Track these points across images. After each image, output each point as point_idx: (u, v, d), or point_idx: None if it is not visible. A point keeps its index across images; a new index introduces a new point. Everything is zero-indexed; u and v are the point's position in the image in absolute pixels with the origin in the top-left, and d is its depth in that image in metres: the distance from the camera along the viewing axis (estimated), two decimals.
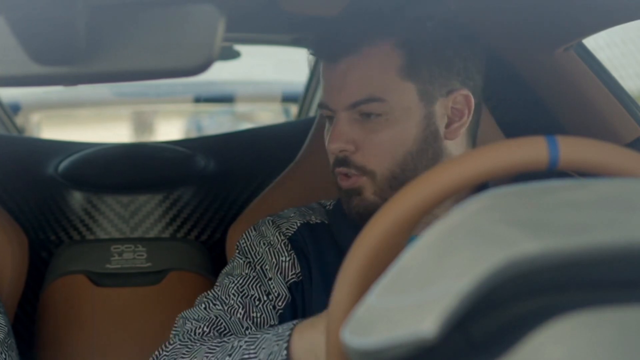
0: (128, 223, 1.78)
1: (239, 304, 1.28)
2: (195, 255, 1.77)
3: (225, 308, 1.28)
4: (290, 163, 1.62)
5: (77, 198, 1.80)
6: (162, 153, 1.93)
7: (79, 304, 1.71)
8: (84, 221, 1.78)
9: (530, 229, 0.58)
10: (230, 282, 1.32)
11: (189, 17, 0.72)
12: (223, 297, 1.30)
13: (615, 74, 1.64)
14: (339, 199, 1.38)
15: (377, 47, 1.24)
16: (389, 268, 0.64)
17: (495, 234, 0.58)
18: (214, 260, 1.78)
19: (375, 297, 0.62)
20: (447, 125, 1.27)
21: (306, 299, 1.30)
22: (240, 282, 1.31)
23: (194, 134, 4.52)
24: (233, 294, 1.30)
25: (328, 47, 1.28)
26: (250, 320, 1.27)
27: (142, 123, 4.77)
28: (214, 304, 1.30)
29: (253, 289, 1.30)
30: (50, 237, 1.78)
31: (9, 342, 1.42)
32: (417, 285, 0.59)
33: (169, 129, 4.79)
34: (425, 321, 0.54)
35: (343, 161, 1.26)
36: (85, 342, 1.70)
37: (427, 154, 1.25)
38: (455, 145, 1.28)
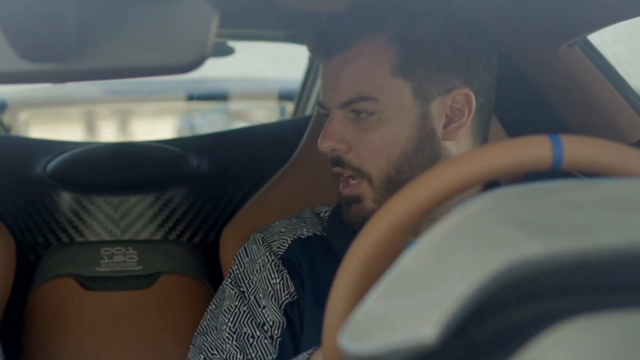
0: (118, 225, 1.78)
1: (236, 348, 1.28)
2: (188, 258, 1.77)
3: (224, 356, 1.28)
4: (286, 163, 1.62)
5: (65, 199, 1.80)
6: (154, 152, 1.92)
7: (68, 308, 1.71)
8: (73, 223, 1.78)
9: (532, 230, 0.58)
10: (223, 322, 1.32)
11: (182, 13, 0.72)
12: (219, 344, 1.30)
13: (621, 70, 1.64)
14: (336, 205, 1.37)
15: (370, 43, 1.24)
16: (387, 271, 0.64)
17: (497, 236, 0.58)
18: (207, 263, 1.78)
19: (373, 301, 0.62)
20: (445, 125, 1.25)
21: (303, 317, 1.30)
22: (232, 320, 1.31)
23: (186, 133, 4.51)
24: (227, 338, 1.29)
25: (324, 43, 1.28)
26: None
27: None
28: (212, 354, 1.30)
29: (245, 326, 1.30)
30: (38, 239, 1.78)
31: None
32: (417, 289, 0.59)
33: (160, 128, 4.79)
34: (424, 326, 0.54)
35: (337, 161, 1.26)
36: (74, 348, 1.70)
37: (423, 155, 1.24)
38: (456, 146, 1.26)
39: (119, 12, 0.72)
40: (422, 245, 0.63)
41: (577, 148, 0.85)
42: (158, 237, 1.79)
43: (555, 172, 0.88)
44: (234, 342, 1.28)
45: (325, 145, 1.25)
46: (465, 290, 0.55)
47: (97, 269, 1.73)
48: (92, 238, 1.78)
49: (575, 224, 0.58)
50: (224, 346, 1.29)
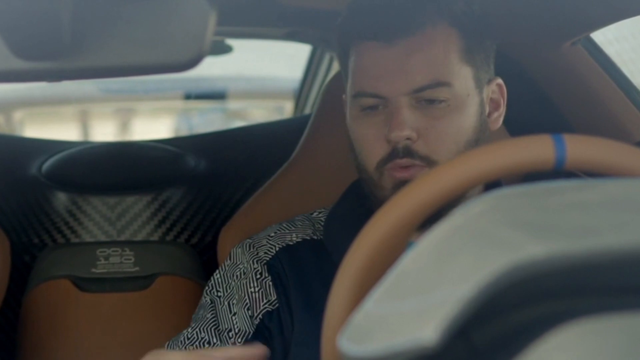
0: (115, 225, 1.78)
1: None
2: (185, 259, 1.77)
3: None
4: (285, 162, 1.62)
5: (61, 199, 1.80)
6: (151, 152, 1.92)
7: (63, 310, 1.71)
8: (69, 223, 1.78)
9: (535, 231, 0.58)
10: (185, 330, 1.31)
11: (179, 10, 0.72)
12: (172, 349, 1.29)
13: (625, 69, 1.65)
14: (334, 207, 1.36)
15: (438, 27, 1.21)
16: (388, 272, 0.64)
17: (499, 237, 0.58)
18: (204, 264, 1.78)
19: (373, 303, 0.62)
20: (489, 115, 1.27)
21: (285, 327, 1.28)
22: (194, 327, 1.30)
23: (183, 133, 4.51)
24: (182, 342, 1.28)
25: (383, 27, 1.22)
26: None
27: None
28: None
29: (204, 332, 1.29)
30: (33, 240, 1.78)
31: None
32: (417, 291, 0.59)
33: (158, 127, 4.79)
34: (425, 328, 0.54)
35: (406, 151, 1.20)
36: (70, 350, 1.70)
37: (479, 143, 1.23)
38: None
39: (115, 9, 0.72)
40: (423, 246, 0.63)
41: (580, 148, 0.85)
42: (155, 238, 1.79)
43: (558, 172, 0.88)
44: (183, 348, 1.27)
45: (402, 134, 1.19)
46: (466, 292, 0.55)
47: (93, 270, 1.73)
48: (88, 239, 1.78)
49: (578, 225, 0.58)
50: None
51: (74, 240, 1.77)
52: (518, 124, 1.61)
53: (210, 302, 1.32)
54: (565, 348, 0.52)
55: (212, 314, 1.30)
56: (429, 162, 1.21)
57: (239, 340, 1.27)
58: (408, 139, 1.20)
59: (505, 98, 1.28)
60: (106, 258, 1.74)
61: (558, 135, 0.85)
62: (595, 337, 0.53)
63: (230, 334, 1.27)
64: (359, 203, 1.32)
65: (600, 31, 1.50)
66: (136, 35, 0.72)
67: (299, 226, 1.37)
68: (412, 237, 0.87)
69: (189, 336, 1.29)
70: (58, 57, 0.72)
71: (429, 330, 0.54)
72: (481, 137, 1.24)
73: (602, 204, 0.61)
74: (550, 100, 1.65)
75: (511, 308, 0.57)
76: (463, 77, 1.22)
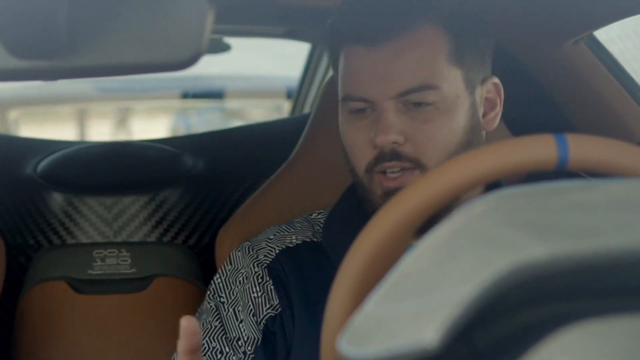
0: (111, 226, 1.78)
1: None
2: (183, 261, 1.77)
3: None
4: (283, 163, 1.62)
5: (57, 200, 1.80)
6: (148, 152, 1.92)
7: (59, 311, 1.71)
8: (65, 224, 1.78)
9: (537, 232, 0.58)
10: None
11: (177, 8, 0.72)
12: None
13: (629, 67, 1.65)
14: (333, 209, 1.36)
15: (426, 29, 1.21)
16: (388, 274, 0.64)
17: (501, 237, 0.58)
18: (202, 266, 1.78)
19: (373, 304, 0.62)
20: (484, 115, 1.27)
21: (287, 331, 1.29)
22: (202, 335, 1.29)
23: (181, 132, 4.52)
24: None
25: (369, 30, 1.22)
26: None
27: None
28: None
29: (215, 341, 1.29)
30: (28, 241, 1.78)
31: None
32: (418, 292, 0.59)
33: (155, 127, 4.79)
34: (426, 330, 0.54)
35: (394, 154, 1.21)
36: (66, 352, 1.70)
37: (472, 145, 1.23)
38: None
39: (111, 7, 0.72)
40: (424, 247, 0.63)
41: (582, 147, 0.85)
42: (152, 238, 1.79)
43: (561, 172, 0.88)
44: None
45: (387, 138, 1.19)
46: (468, 294, 0.55)
47: (90, 271, 1.73)
48: (84, 240, 1.78)
49: (581, 226, 0.58)
50: None
51: (70, 241, 1.77)
52: (520, 123, 1.61)
53: (214, 309, 1.32)
54: (568, 350, 0.52)
55: (219, 321, 1.30)
56: (419, 165, 1.21)
57: (249, 348, 1.27)
58: (394, 142, 1.20)
59: (502, 97, 1.28)
60: (102, 259, 1.74)
61: (560, 135, 0.85)
62: (598, 339, 0.53)
63: (239, 342, 1.27)
64: (358, 205, 1.32)
65: (604, 29, 1.50)
66: (133, 34, 0.72)
67: (299, 228, 1.37)
68: (413, 239, 0.87)
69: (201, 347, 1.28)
70: (54, 56, 0.72)
71: (429, 332, 0.54)
72: (474, 139, 1.24)
73: (605, 205, 0.61)
74: (552, 99, 1.65)
75: (513, 310, 0.57)
76: (452, 79, 1.21)
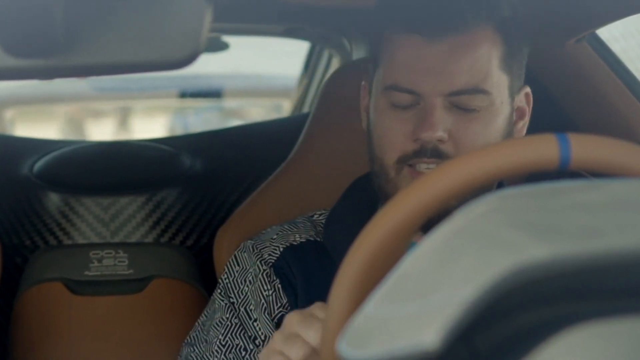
0: (108, 227, 1.78)
1: None
2: (181, 262, 1.77)
3: None
4: (282, 162, 1.62)
5: (53, 200, 1.80)
6: (145, 152, 1.92)
7: (56, 313, 1.71)
8: (61, 225, 1.78)
9: (539, 233, 0.58)
10: (214, 335, 1.30)
11: (174, 6, 0.72)
12: (207, 356, 1.29)
13: (631, 66, 1.65)
14: (334, 209, 1.36)
15: (482, 30, 1.20)
16: (388, 275, 0.64)
17: (502, 238, 0.58)
18: (200, 267, 1.78)
19: (373, 306, 0.62)
20: (515, 124, 1.27)
21: None
22: (223, 332, 1.29)
23: (179, 132, 4.52)
24: (217, 351, 1.28)
25: (429, 21, 1.20)
26: None
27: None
28: None
29: (238, 338, 1.28)
30: (24, 242, 1.78)
31: None
32: (418, 294, 0.59)
33: (152, 126, 4.79)
34: (426, 332, 0.54)
35: (435, 152, 1.19)
36: (62, 354, 1.70)
37: None
38: None
39: (108, 5, 0.72)
40: (425, 247, 0.63)
41: (585, 147, 0.85)
42: (149, 239, 1.79)
43: (563, 172, 0.88)
44: (223, 356, 1.27)
45: (434, 135, 1.18)
46: (469, 295, 0.55)
47: (86, 272, 1.73)
48: (80, 241, 1.77)
49: (583, 226, 0.58)
50: (212, 359, 1.28)
51: (66, 242, 1.77)
52: None
53: (229, 306, 1.32)
54: (570, 353, 0.52)
55: (237, 319, 1.30)
56: None
57: None
58: (439, 140, 1.19)
59: (531, 107, 1.28)
60: (99, 260, 1.74)
61: (562, 135, 0.85)
62: (600, 341, 0.53)
63: (256, 341, 1.27)
64: (359, 204, 1.32)
65: (606, 28, 1.51)
66: (130, 32, 0.72)
67: (302, 227, 1.37)
68: (414, 238, 0.87)
69: (223, 343, 1.28)
70: (50, 55, 0.72)
71: (430, 334, 0.54)
72: None
73: (607, 205, 0.61)
74: (554, 98, 1.65)
75: (514, 311, 0.57)
76: (500, 85, 1.21)
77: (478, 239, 0.60)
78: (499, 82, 1.21)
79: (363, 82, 1.31)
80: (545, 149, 0.85)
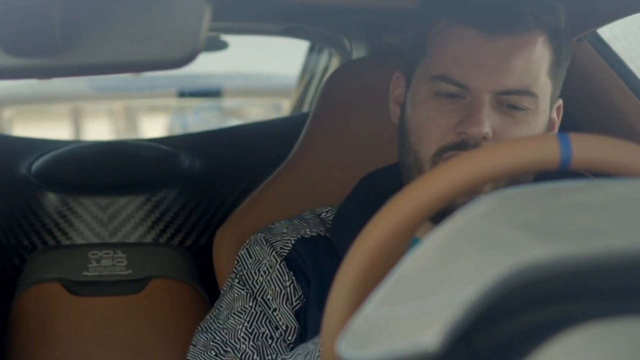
0: (107, 227, 1.78)
1: (252, 349, 1.26)
2: (180, 262, 1.77)
3: (239, 355, 1.26)
4: (282, 162, 1.62)
5: (51, 200, 1.80)
6: (144, 152, 1.92)
7: (54, 314, 1.71)
8: (59, 225, 1.78)
9: (540, 233, 0.58)
10: (237, 322, 1.29)
11: (173, 5, 0.72)
12: (233, 343, 1.28)
13: (632, 65, 1.65)
14: (341, 206, 1.36)
15: (537, 34, 1.20)
16: (389, 275, 0.64)
17: (503, 238, 0.58)
18: (199, 267, 1.78)
19: (373, 306, 0.62)
20: None
21: (308, 323, 1.29)
22: (249, 320, 1.29)
23: (177, 131, 4.52)
24: (243, 337, 1.28)
25: (489, 17, 1.19)
26: None
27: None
28: (225, 351, 1.28)
29: (263, 326, 1.28)
30: (22, 242, 1.78)
31: None
32: (419, 294, 0.59)
33: (149, 126, 4.79)
34: (427, 332, 0.54)
35: (476, 148, 1.17)
36: (61, 355, 1.70)
37: None
38: None
39: (107, 4, 0.72)
40: (425, 248, 0.63)
41: (586, 147, 0.85)
42: (148, 240, 1.79)
43: (564, 172, 0.88)
44: (251, 343, 1.27)
45: (482, 131, 1.17)
46: (469, 296, 0.55)
47: (85, 273, 1.73)
48: (79, 241, 1.77)
49: (584, 226, 0.58)
50: (239, 346, 1.27)
51: (64, 242, 1.77)
52: None
53: (249, 295, 1.31)
54: (572, 353, 0.52)
55: (259, 307, 1.29)
56: None
57: (290, 337, 1.27)
58: (484, 137, 1.18)
59: (560, 119, 1.28)
60: (98, 261, 1.74)
61: (563, 134, 0.85)
62: (601, 342, 0.53)
63: (279, 331, 1.28)
64: (367, 202, 1.32)
65: (607, 27, 1.50)
66: (129, 31, 0.72)
67: (311, 222, 1.37)
68: (417, 234, 0.87)
69: (250, 330, 1.28)
70: (49, 54, 0.72)
71: (430, 335, 0.54)
72: None
73: (609, 205, 0.61)
74: None
75: (515, 312, 0.57)
76: (546, 91, 1.21)
77: (478, 239, 0.60)
78: (545, 88, 1.21)
79: (396, 73, 1.31)
80: (546, 148, 0.85)
